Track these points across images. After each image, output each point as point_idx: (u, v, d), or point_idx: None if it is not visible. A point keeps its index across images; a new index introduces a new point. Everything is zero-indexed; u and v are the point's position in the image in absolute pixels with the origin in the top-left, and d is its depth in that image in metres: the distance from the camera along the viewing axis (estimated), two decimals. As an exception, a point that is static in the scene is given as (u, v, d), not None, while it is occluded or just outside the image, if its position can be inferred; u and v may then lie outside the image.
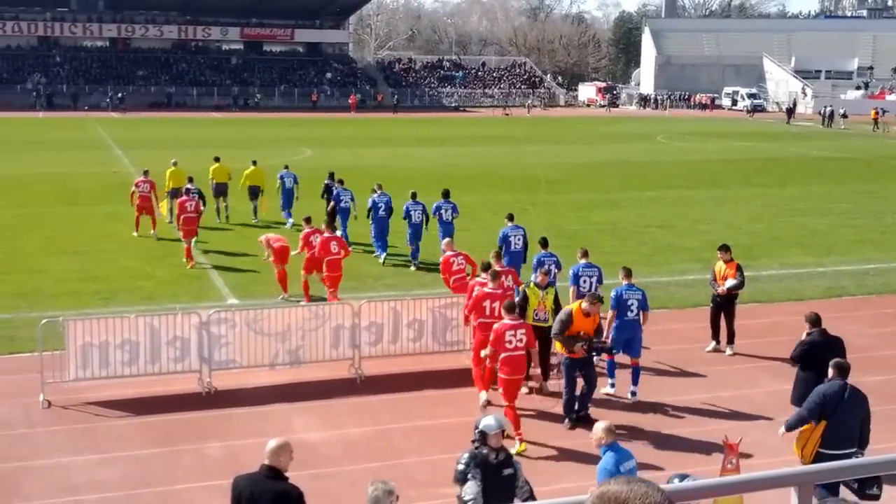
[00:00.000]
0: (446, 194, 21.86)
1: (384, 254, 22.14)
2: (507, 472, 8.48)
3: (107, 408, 12.89)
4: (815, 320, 11.93)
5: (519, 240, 18.28)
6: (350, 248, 19.48)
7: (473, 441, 8.65)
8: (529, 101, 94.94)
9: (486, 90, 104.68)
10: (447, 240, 18.05)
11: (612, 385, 13.78)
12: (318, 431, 12.29)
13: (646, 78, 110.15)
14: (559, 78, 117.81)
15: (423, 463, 11.33)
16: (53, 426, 12.35)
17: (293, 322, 14.00)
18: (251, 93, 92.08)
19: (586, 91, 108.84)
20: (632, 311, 13.72)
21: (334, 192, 24.18)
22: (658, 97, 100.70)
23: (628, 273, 14.17)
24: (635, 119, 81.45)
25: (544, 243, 16.42)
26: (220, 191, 27.06)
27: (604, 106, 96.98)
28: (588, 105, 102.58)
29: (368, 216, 22.48)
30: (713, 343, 15.88)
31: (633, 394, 13.56)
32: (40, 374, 12.88)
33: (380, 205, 22.27)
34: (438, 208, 21.61)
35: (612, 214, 29.35)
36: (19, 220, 26.92)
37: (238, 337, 13.72)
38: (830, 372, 10.08)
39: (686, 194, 33.91)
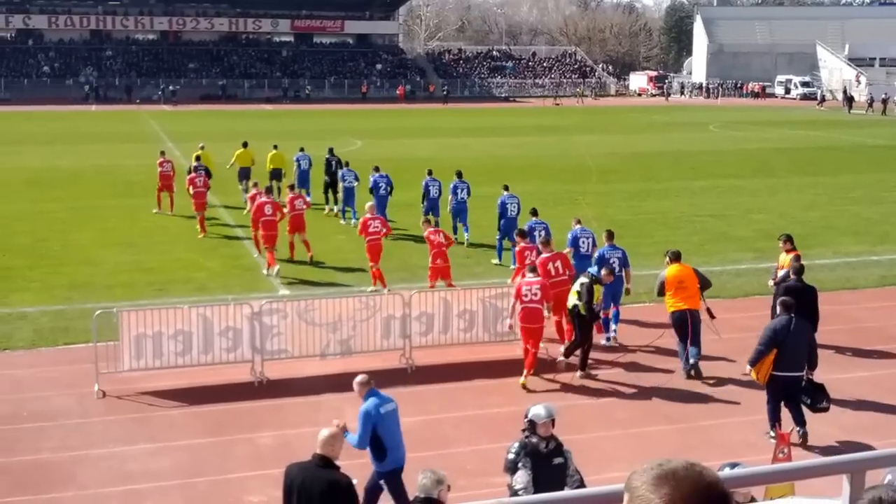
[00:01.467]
0: (460, 174, 23.00)
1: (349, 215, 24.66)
2: (558, 461, 8.45)
3: (160, 398, 13.07)
4: (797, 269, 13.98)
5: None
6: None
7: (523, 430, 8.64)
8: (580, 90, 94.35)
9: (537, 80, 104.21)
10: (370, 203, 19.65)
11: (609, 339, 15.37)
12: (368, 421, 12.34)
13: (698, 66, 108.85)
14: (610, 67, 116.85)
15: (474, 452, 11.33)
16: (108, 416, 12.55)
17: (344, 312, 14.08)
18: (301, 85, 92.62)
19: (637, 80, 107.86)
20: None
21: (340, 173, 25.91)
22: (710, 86, 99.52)
23: (610, 235, 15.94)
24: (687, 108, 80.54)
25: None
26: (245, 174, 28.73)
27: (655, 95, 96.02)
28: (639, 94, 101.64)
29: (371, 193, 23.84)
30: None
31: (608, 339, 15.38)
32: (95, 365, 13.08)
33: (380, 184, 24.01)
34: (455, 188, 22.70)
35: (664, 204, 29.08)
36: (73, 212, 27.40)
37: (289, 327, 13.83)
38: (778, 309, 11.97)
39: (738, 183, 33.49)
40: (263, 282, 19.53)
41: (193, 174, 25.16)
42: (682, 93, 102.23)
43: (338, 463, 7.72)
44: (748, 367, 11.79)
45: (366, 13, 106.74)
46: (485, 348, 14.69)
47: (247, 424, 12.23)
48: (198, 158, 27.60)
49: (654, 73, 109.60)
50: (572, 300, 13.91)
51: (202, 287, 18.96)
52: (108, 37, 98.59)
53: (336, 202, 26.85)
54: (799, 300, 12.17)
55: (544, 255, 15.35)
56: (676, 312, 13.95)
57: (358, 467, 9.02)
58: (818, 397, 11.56)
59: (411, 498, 7.22)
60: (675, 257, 14.50)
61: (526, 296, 13.61)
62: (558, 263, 15.28)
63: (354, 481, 7.82)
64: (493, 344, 14.74)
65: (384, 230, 19.01)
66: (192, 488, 10.59)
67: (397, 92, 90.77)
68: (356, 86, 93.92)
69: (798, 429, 11.42)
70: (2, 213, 27.28)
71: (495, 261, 21.07)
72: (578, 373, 13.84)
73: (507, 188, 21.55)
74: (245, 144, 29.58)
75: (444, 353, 14.53)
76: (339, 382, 13.53)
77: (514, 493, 8.27)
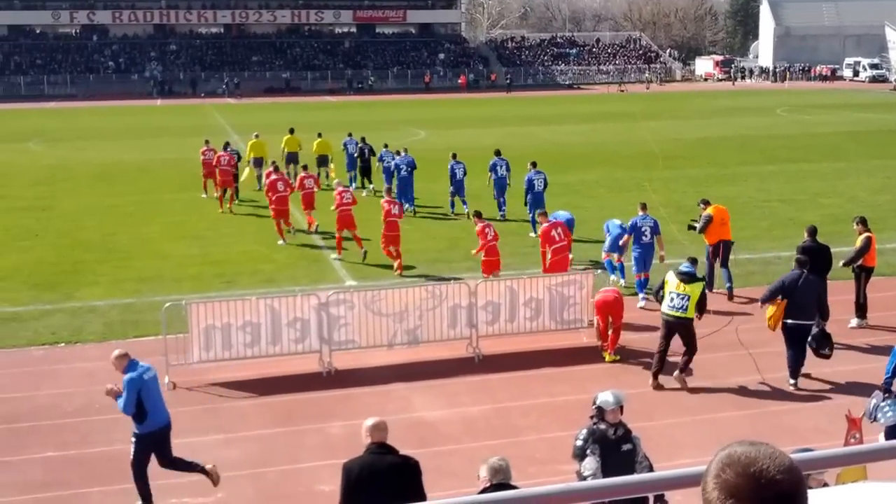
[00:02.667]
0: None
1: (411, 206, 25.60)
2: (626, 447, 8.41)
3: (230, 389, 13.27)
4: (811, 230, 15.37)
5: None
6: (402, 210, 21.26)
7: (591, 417, 8.60)
8: (646, 76, 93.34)
9: (601, 67, 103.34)
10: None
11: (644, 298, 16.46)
12: (437, 410, 12.40)
13: (764, 50, 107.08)
14: (675, 52, 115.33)
15: (542, 440, 11.32)
16: (178, 407, 12.71)
17: (410, 302, 14.13)
18: (364, 75, 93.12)
19: (703, 65, 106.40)
20: (646, 236, 16.89)
21: (379, 154, 28.72)
22: (777, 69, 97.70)
23: (644, 206, 17.30)
24: (754, 92, 79.18)
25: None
26: (291, 159, 30.41)
27: (721, 79, 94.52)
28: (706, 79, 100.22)
29: (394, 174, 26.22)
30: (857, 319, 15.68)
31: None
32: (165, 357, 13.29)
33: (401, 165, 25.91)
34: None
35: (731, 189, 28.67)
36: (141, 206, 27.93)
37: (356, 317, 13.92)
38: (793, 265, 13.38)
39: (807, 167, 32.91)
40: (330, 272, 19.71)
41: (223, 152, 27.52)
42: (748, 76, 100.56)
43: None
44: (759, 303, 13.63)
45: (428, 2, 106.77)
46: (551, 336, 14.65)
47: (316, 414, 12.36)
48: (227, 144, 29.24)
49: (720, 58, 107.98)
50: (678, 303, 12.79)
51: (270, 279, 19.20)
52: (172, 31, 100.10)
53: (371, 183, 29.12)
54: (814, 258, 13.65)
55: (544, 224, 17.21)
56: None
57: (427, 456, 9.04)
58: (822, 344, 13.10)
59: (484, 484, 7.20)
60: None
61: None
62: (559, 230, 17.00)
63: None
64: (560, 331, 14.70)
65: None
66: (262, 478, 10.74)
67: (460, 81, 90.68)
68: (419, 76, 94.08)
69: (791, 380, 12.91)
70: (71, 207, 27.94)
71: (532, 234, 21.83)
72: (676, 372, 12.99)
73: (534, 164, 23.03)
74: (291, 131, 31.62)
75: (510, 341, 14.52)
76: (407, 372, 13.65)
77: (583, 479, 8.24)
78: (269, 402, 12.81)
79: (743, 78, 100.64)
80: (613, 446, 8.37)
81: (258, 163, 29.31)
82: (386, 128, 47.09)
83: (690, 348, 12.89)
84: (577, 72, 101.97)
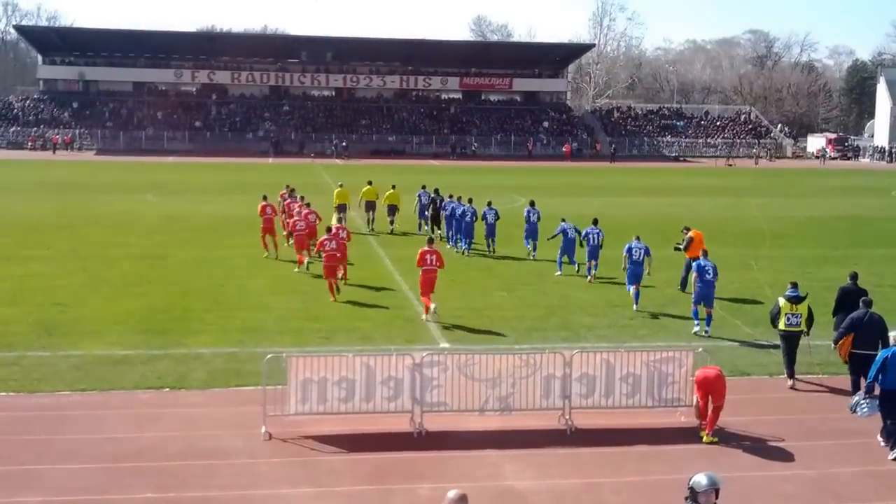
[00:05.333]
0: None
1: (465, 248, 30.54)
2: (721, 532, 8.25)
3: (323, 442, 13.45)
4: (853, 276, 18.19)
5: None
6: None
7: (686, 499, 8.47)
8: (756, 152, 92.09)
9: (709, 140, 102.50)
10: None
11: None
12: (527, 480, 12.32)
13: (880, 129, 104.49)
14: (786, 128, 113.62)
15: (633, 521, 11.13)
16: (273, 458, 13.01)
17: (503, 369, 14.14)
18: (468, 141, 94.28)
19: (815, 142, 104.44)
20: (638, 257, 22.22)
21: (442, 203, 33.06)
22: (892, 149, 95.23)
23: (637, 238, 22.77)
24: (867, 172, 77.26)
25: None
26: (370, 206, 35.96)
27: (835, 158, 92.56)
28: (817, 157, 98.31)
29: (454, 218, 31.25)
30: None
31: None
32: (263, 408, 13.60)
33: (467, 212, 30.64)
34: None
35: (841, 271, 27.51)
36: (249, 259, 28.75)
37: (449, 380, 13.99)
38: (861, 305, 15.81)
39: (924, 253, 31.80)
40: (425, 334, 19.90)
41: (289, 200, 32.09)
42: (862, 156, 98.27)
43: None
44: (832, 345, 15.93)
45: (535, 70, 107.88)
46: (646, 413, 14.44)
47: (406, 475, 12.42)
48: (292, 191, 33.68)
49: (833, 135, 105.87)
50: (794, 321, 16.71)
51: (366, 336, 19.49)
52: (286, 92, 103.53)
53: (439, 229, 33.55)
54: (854, 298, 16.47)
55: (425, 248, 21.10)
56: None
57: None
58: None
59: None
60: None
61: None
62: (434, 256, 20.90)
63: None
64: (657, 409, 14.47)
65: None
66: (350, 535, 10.81)
67: (563, 150, 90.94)
68: (522, 143, 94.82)
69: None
70: (185, 257, 28.99)
71: (558, 273, 26.66)
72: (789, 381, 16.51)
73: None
74: (370, 182, 36.83)
75: (604, 415, 14.37)
76: (498, 438, 13.63)
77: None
78: (361, 459, 12.93)
79: (857, 157, 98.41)
80: (708, 529, 8.22)
81: (342, 209, 34.04)
82: (487, 193, 47.40)
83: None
84: (683, 144, 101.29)
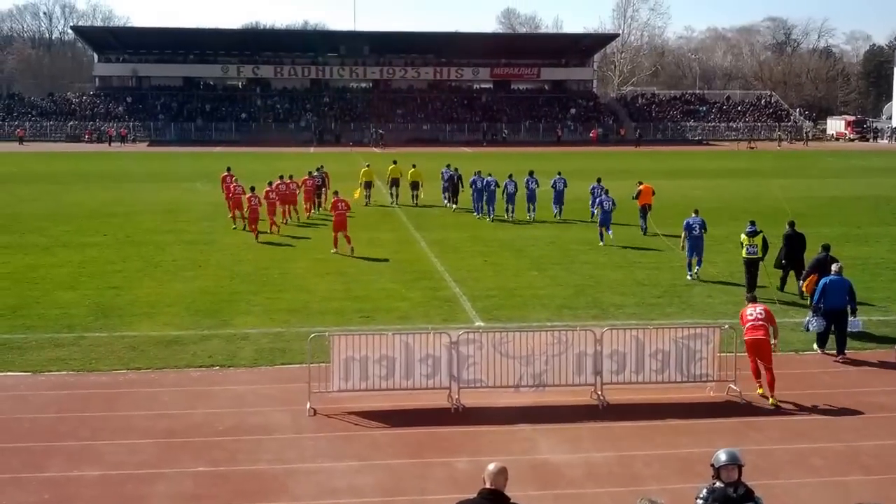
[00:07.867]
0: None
1: (479, 214, 34.80)
2: (748, 506, 8.00)
3: (365, 418, 13.36)
4: (825, 247, 18.83)
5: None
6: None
7: (712, 476, 8.23)
8: (778, 134, 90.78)
9: (731, 124, 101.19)
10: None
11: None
12: (561, 454, 12.14)
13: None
14: (806, 112, 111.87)
15: (664, 491, 10.85)
16: (318, 433, 12.93)
17: (537, 346, 13.95)
18: (498, 128, 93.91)
19: (835, 125, 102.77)
20: (695, 231, 22.74)
21: (471, 179, 35.68)
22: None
23: (696, 211, 23.80)
24: (886, 153, 75.86)
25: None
26: (394, 183, 39.61)
27: (853, 139, 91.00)
28: (837, 139, 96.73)
29: (471, 186, 35.29)
30: None
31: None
32: (308, 385, 13.54)
33: (478, 182, 34.64)
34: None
35: (863, 249, 27.39)
36: (291, 243, 28.71)
37: (485, 358, 13.84)
38: (833, 267, 16.67)
39: (945, 230, 31.10)
40: (461, 313, 19.73)
41: (307, 177, 36.18)
42: (881, 137, 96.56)
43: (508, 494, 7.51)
44: (801, 283, 18.64)
45: (562, 60, 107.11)
46: (676, 388, 14.18)
47: (444, 449, 12.29)
48: (319, 168, 38.33)
49: (852, 118, 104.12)
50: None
51: (404, 316, 19.36)
52: (326, 85, 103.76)
53: (456, 203, 37.40)
54: (827, 264, 17.35)
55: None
56: None
57: (549, 499, 8.85)
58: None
59: None
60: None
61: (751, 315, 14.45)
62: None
63: None
64: (686, 385, 14.21)
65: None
66: (392, 506, 10.71)
67: (590, 135, 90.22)
68: (551, 129, 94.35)
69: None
70: (230, 242, 29.02)
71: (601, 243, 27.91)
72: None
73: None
74: (395, 161, 41.34)
75: (635, 390, 14.13)
76: (533, 414, 13.45)
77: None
78: (401, 434, 12.82)
79: (875, 139, 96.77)
80: (734, 506, 7.98)
81: (368, 185, 38.68)
82: (516, 176, 47.12)
83: None
84: (706, 128, 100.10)
